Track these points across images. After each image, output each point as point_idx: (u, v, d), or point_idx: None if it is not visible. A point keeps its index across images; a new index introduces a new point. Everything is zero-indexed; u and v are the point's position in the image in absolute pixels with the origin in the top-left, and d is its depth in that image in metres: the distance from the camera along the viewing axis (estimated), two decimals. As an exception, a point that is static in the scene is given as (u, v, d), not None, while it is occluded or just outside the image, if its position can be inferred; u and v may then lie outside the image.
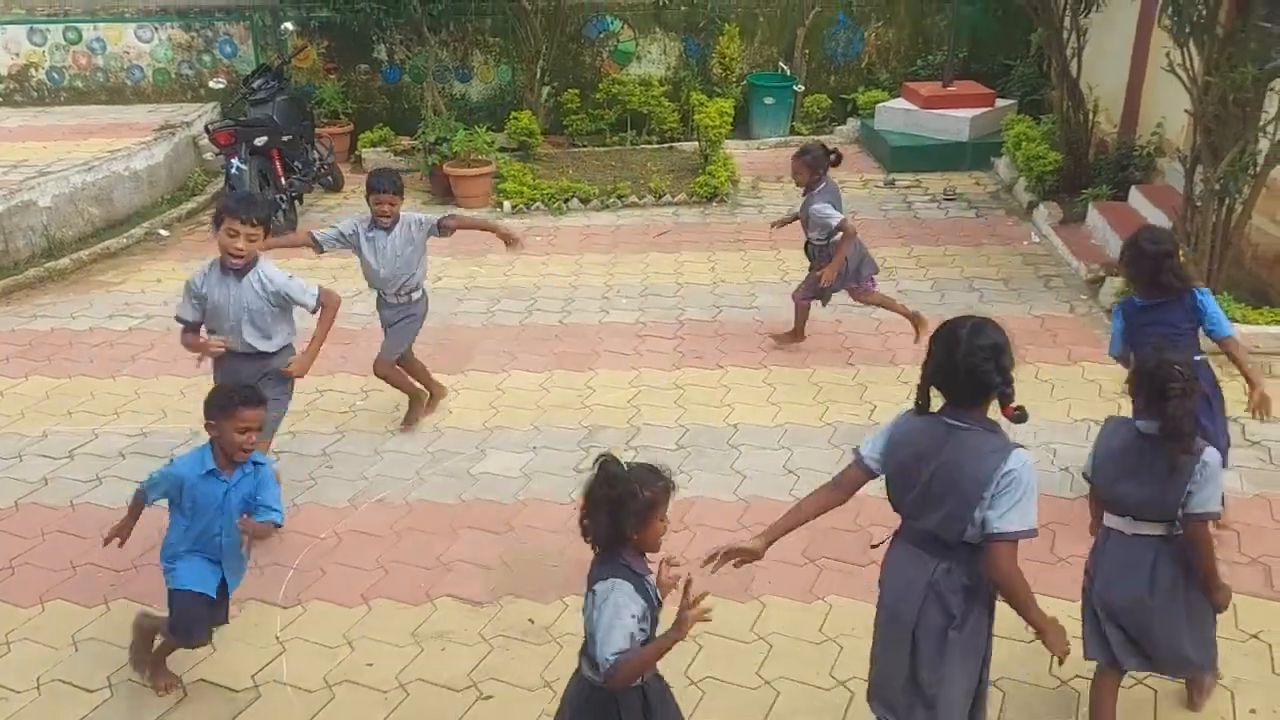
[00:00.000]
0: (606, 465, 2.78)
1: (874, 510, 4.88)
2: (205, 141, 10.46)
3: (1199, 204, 6.22)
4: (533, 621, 4.23)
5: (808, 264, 6.52)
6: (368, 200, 5.53)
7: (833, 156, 6.24)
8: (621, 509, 2.70)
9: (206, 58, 11.45)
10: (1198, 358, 4.18)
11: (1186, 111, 6.23)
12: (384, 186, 5.46)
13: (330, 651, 4.04)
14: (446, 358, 6.67)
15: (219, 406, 3.63)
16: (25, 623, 4.25)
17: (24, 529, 4.90)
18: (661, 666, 3.84)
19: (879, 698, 3.19)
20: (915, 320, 6.36)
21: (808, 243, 6.44)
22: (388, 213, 5.48)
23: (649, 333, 6.98)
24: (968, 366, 2.79)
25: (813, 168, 6.21)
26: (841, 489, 3.24)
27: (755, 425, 5.73)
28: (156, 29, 11.34)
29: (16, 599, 4.39)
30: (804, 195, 6.33)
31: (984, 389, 2.82)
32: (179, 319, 4.82)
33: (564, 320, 7.25)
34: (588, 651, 2.79)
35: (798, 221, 6.51)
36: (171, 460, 4.19)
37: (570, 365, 6.53)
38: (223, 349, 4.64)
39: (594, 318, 7.24)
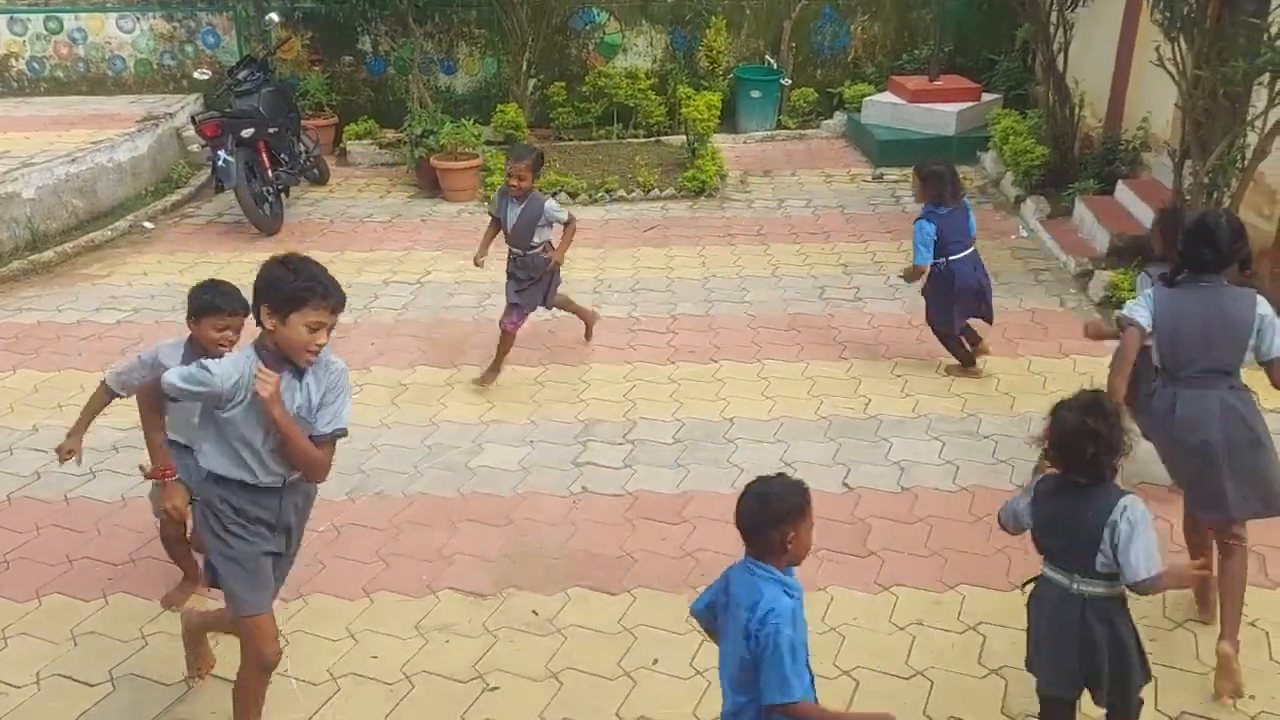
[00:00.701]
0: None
1: (872, 502, 4.94)
2: (189, 133, 10.36)
3: (1188, 198, 6.29)
4: (536, 613, 4.24)
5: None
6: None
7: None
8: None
9: (189, 48, 11.33)
10: None
11: (1176, 105, 6.30)
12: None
13: (333, 644, 4.03)
14: (438, 353, 6.66)
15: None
16: (22, 617, 4.21)
17: (17, 523, 4.85)
18: (667, 659, 3.87)
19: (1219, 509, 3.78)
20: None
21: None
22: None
23: (642, 327, 6.98)
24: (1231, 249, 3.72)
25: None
26: (1129, 356, 3.83)
27: (751, 419, 5.75)
28: (138, 19, 11.21)
29: (13, 593, 4.35)
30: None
31: (1236, 256, 3.76)
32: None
33: (555, 314, 7.23)
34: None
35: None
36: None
37: (564, 359, 6.53)
38: None
39: (590, 306, 7.22)
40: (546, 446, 5.52)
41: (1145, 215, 7.51)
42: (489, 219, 6.39)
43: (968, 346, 6.18)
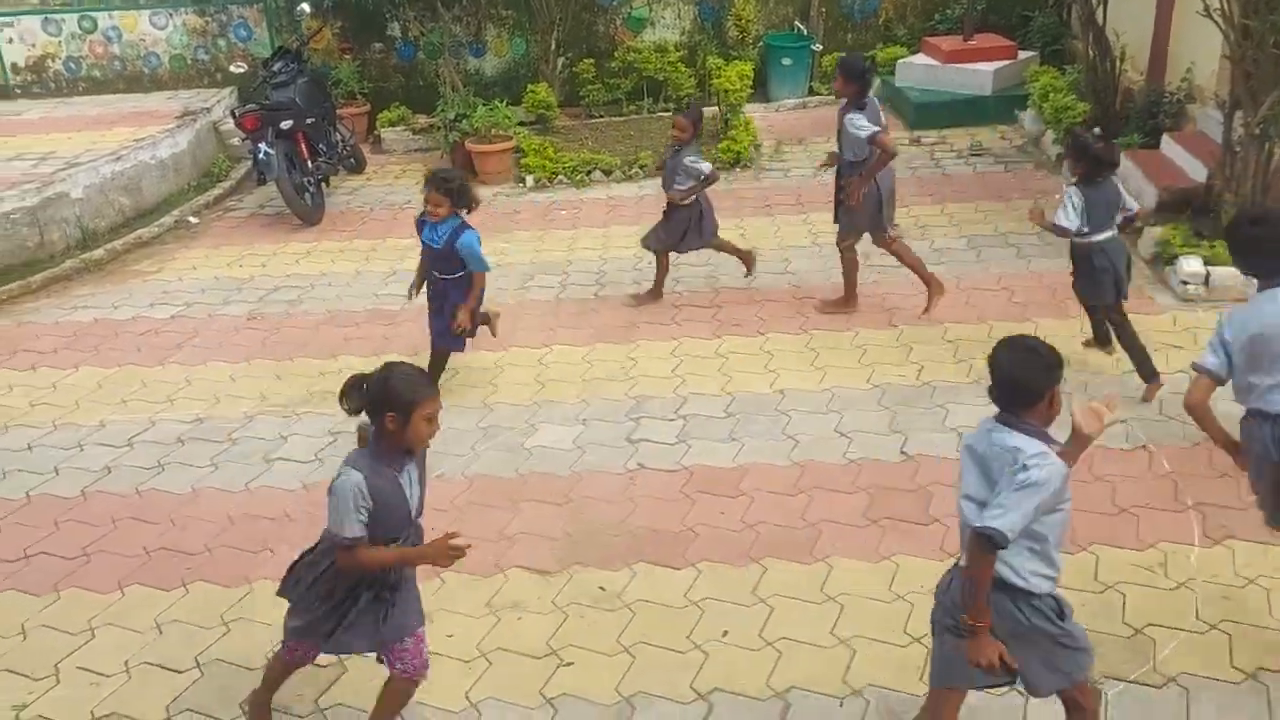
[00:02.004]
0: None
1: (932, 469, 4.95)
2: (226, 127, 10.48)
3: (1239, 149, 6.19)
4: (604, 589, 4.30)
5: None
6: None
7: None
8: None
9: (221, 42, 11.42)
10: None
11: (1224, 57, 6.18)
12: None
13: (409, 626, 4.11)
14: (483, 335, 6.69)
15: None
16: (107, 608, 4.34)
17: (93, 517, 4.99)
18: (736, 630, 3.93)
19: None
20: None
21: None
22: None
23: (685, 302, 7.00)
24: None
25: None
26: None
27: (802, 390, 5.77)
28: (171, 15, 11.31)
29: (95, 585, 4.48)
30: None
31: None
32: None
33: (599, 294, 7.28)
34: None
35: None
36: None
37: (611, 338, 6.57)
38: None
39: (629, 289, 7.26)
40: (599, 425, 5.57)
41: (1193, 168, 7.40)
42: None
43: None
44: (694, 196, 6.66)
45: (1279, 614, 3.89)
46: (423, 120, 11.05)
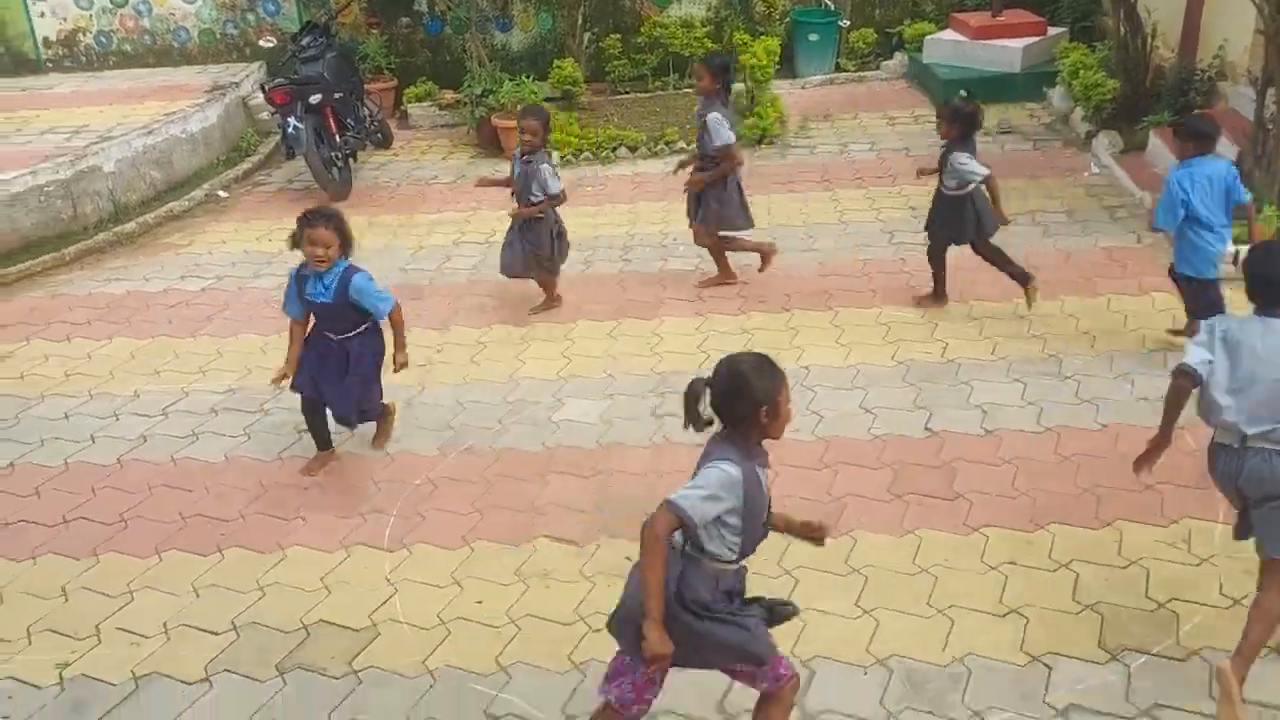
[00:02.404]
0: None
1: (956, 445, 4.98)
2: (255, 102, 10.56)
3: (1270, 126, 6.14)
4: (630, 559, 4.34)
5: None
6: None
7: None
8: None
9: (250, 17, 11.49)
10: None
11: (1258, 31, 6.11)
12: None
13: (440, 591, 4.20)
14: (510, 310, 6.77)
15: None
16: (145, 572, 4.44)
17: (130, 484, 5.10)
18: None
19: None
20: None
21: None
22: None
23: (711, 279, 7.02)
24: None
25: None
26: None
27: (827, 366, 5.79)
28: (200, -11, 11.39)
29: (134, 550, 4.59)
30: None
31: None
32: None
33: (624, 270, 7.31)
34: None
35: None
36: None
37: (636, 313, 6.61)
38: None
39: (654, 265, 7.30)
40: (625, 399, 5.62)
41: (1224, 147, 7.32)
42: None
43: None
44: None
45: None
46: (449, 95, 11.09)
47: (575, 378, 5.89)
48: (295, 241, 4.71)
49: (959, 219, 6.07)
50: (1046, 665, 3.70)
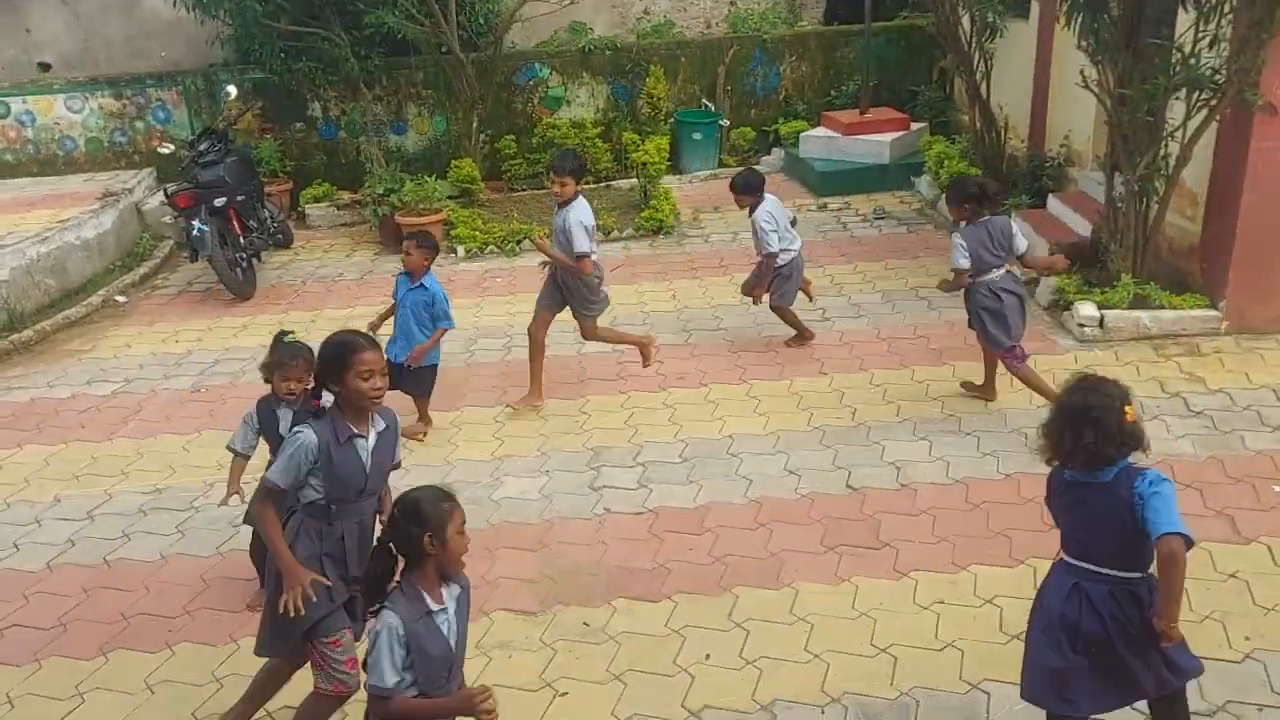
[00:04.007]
0: None
1: (876, 500, 5.34)
2: (149, 207, 10.51)
3: (1120, 205, 6.91)
4: (587, 624, 4.52)
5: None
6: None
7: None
8: None
9: (140, 124, 11.47)
10: None
11: (1105, 123, 6.92)
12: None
13: (405, 669, 4.24)
14: (438, 397, 6.88)
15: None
16: (92, 674, 4.34)
17: (63, 588, 4.97)
18: (718, 653, 4.19)
19: None
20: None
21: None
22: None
23: (627, 359, 7.32)
24: None
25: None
26: None
27: (749, 434, 6.13)
28: (87, 98, 11.33)
29: (77, 652, 4.48)
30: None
31: None
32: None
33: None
34: None
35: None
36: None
37: (561, 394, 6.84)
38: None
39: (572, 349, 7.55)
40: (562, 475, 5.82)
41: (1077, 224, 8.17)
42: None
43: None
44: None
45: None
46: (346, 196, 11.26)
47: (510, 457, 6.06)
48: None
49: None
50: (984, 692, 4.02)
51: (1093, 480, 3.20)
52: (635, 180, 11.01)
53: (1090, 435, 3.12)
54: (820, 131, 11.75)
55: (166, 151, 10.07)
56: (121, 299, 9.22)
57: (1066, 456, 3.22)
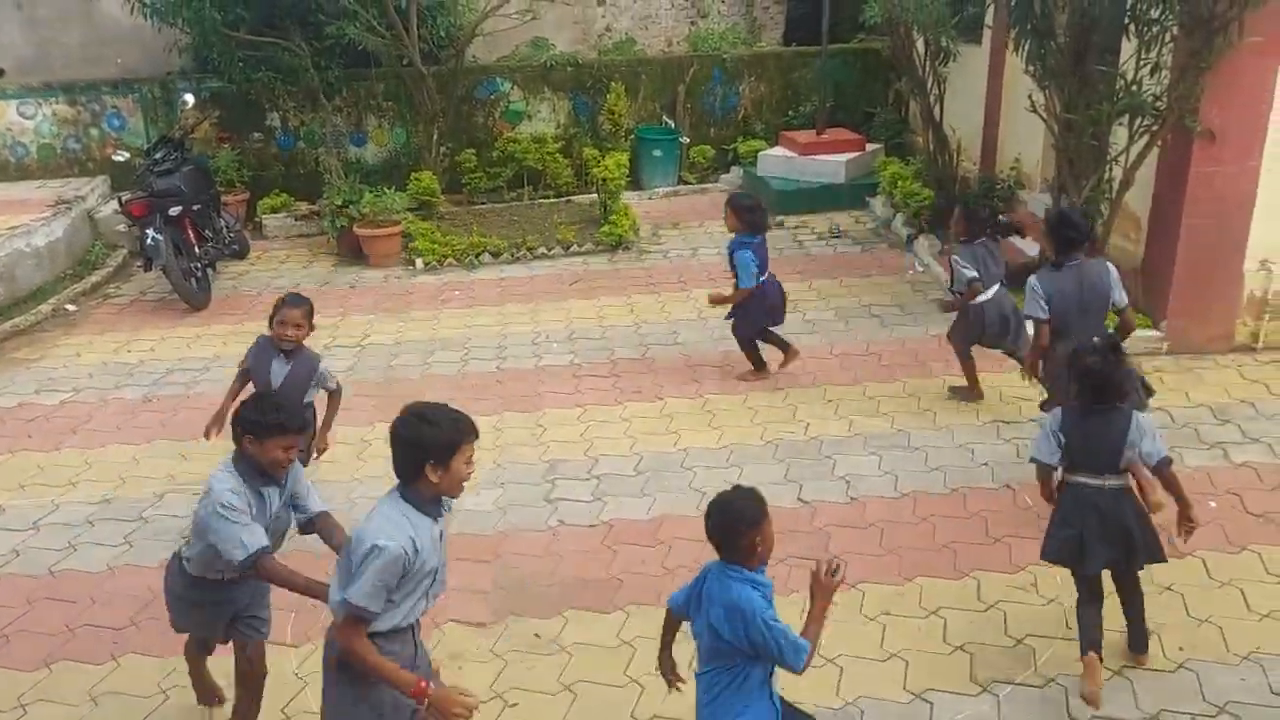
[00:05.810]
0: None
1: (826, 513, 5.42)
2: (102, 215, 10.39)
3: (1066, 227, 7.08)
4: (539, 635, 4.54)
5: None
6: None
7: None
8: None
9: (94, 131, 11.33)
10: None
11: (1053, 147, 7.10)
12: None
13: (355, 680, 4.23)
14: (392, 410, 6.85)
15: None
16: (34, 685, 4.29)
17: (5, 599, 4.90)
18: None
19: None
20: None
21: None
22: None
23: (586, 373, 7.37)
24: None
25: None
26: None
27: (703, 448, 6.20)
28: (40, 104, 11.17)
29: (18, 664, 4.42)
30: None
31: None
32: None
33: (501, 366, 7.57)
34: None
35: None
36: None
37: (518, 407, 6.86)
38: None
39: (529, 362, 7.59)
40: (517, 487, 5.83)
41: (1026, 244, 8.35)
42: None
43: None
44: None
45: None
46: (304, 207, 11.21)
47: (463, 471, 6.05)
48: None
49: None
50: (928, 701, 4.10)
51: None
52: (595, 195, 11.08)
53: None
54: (778, 151, 11.90)
55: (121, 159, 9.96)
56: (72, 307, 9.09)
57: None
